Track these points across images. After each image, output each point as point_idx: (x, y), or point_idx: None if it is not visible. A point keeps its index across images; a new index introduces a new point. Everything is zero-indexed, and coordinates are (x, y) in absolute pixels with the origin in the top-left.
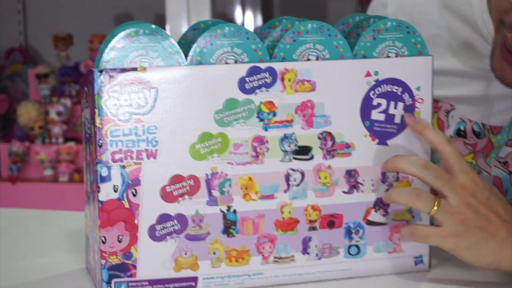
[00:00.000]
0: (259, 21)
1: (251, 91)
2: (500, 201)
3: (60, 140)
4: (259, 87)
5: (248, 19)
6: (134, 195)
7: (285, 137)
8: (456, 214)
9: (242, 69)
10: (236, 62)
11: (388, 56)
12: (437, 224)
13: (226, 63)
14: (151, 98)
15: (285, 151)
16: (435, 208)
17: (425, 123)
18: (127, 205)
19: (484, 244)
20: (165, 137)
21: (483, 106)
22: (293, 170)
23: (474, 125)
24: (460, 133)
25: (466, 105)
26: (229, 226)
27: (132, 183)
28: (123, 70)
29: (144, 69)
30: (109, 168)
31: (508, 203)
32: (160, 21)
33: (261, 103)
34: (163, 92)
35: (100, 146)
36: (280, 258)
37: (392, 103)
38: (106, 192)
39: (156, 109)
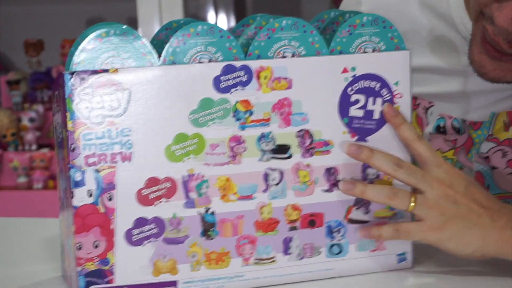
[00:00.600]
0: (233, 22)
1: (226, 90)
2: (479, 189)
3: (34, 147)
4: (235, 86)
5: (221, 21)
6: (110, 200)
7: (263, 136)
8: (435, 207)
9: (216, 68)
10: (210, 61)
11: (365, 52)
12: (417, 220)
13: (200, 62)
14: (124, 100)
15: (263, 151)
16: (412, 204)
17: (403, 119)
18: (102, 210)
19: (466, 233)
20: (139, 140)
21: (462, 102)
22: (272, 169)
23: (453, 121)
24: (440, 130)
25: (445, 101)
26: (208, 228)
27: (107, 187)
28: (94, 72)
29: (115, 70)
30: (82, 172)
31: (487, 191)
32: (133, 24)
33: (236, 102)
34: (136, 94)
35: (72, 150)
36: (261, 259)
37: (370, 99)
38: (80, 197)
39: (129, 111)
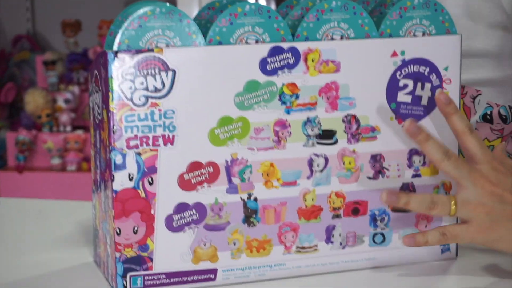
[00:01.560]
0: (272, 4)
1: (273, 72)
2: None
3: (68, 128)
4: (281, 68)
5: (261, 2)
6: (150, 184)
7: (308, 121)
8: (479, 207)
9: (263, 50)
10: (257, 42)
11: (415, 35)
12: (463, 222)
13: (247, 43)
14: (168, 81)
15: (308, 136)
16: (453, 207)
17: (455, 108)
18: (142, 195)
19: None
20: (183, 122)
21: (510, 89)
22: (317, 155)
23: (500, 108)
24: (486, 118)
25: (493, 88)
26: (250, 215)
27: (148, 171)
28: (139, 51)
29: (161, 50)
30: (124, 155)
31: None
32: (171, 4)
33: (283, 85)
34: (181, 74)
35: (114, 132)
36: (303, 247)
37: (419, 84)
38: (121, 181)
39: (173, 93)
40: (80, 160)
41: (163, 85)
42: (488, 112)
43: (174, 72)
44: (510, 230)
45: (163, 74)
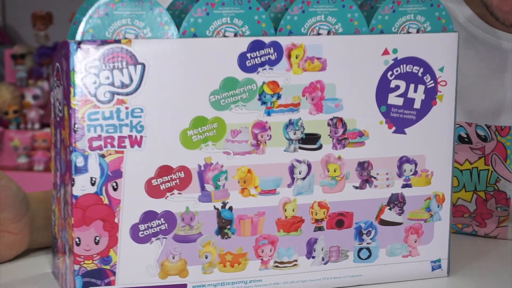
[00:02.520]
0: None
1: (253, 69)
2: None
3: (36, 125)
4: (262, 64)
5: None
6: (115, 189)
7: (291, 123)
8: None
9: (243, 44)
10: (236, 35)
11: (408, 32)
12: None
13: (225, 36)
14: (136, 76)
15: (290, 140)
16: None
17: None
18: (106, 201)
19: None
20: (152, 122)
21: (485, 104)
22: (299, 161)
23: (477, 128)
24: (463, 140)
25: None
26: (224, 225)
27: (112, 175)
28: (105, 42)
29: (129, 41)
30: (85, 157)
31: None
32: None
33: (263, 83)
34: (151, 69)
35: (75, 132)
36: (282, 262)
37: (411, 86)
38: (82, 186)
39: (142, 89)
40: (48, 160)
41: (131, 80)
42: (463, 134)
43: (143, 66)
44: None
45: (131, 68)
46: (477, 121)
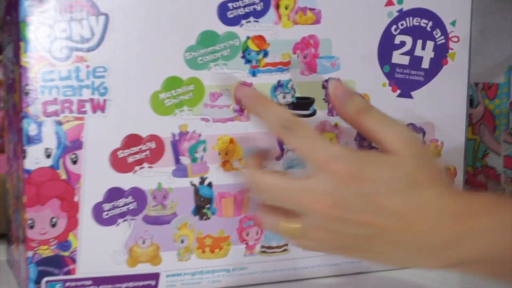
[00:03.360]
0: None
1: (235, 21)
2: (393, 189)
3: None
4: (246, 16)
5: None
6: (74, 163)
7: (279, 85)
8: (327, 233)
9: None
10: None
11: None
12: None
13: None
14: (99, 29)
15: (279, 105)
16: (298, 234)
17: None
18: (64, 176)
19: (381, 262)
20: (117, 83)
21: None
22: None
23: None
24: None
25: None
26: (203, 204)
27: (71, 146)
28: None
29: None
30: (39, 124)
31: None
32: None
33: (248, 38)
34: (116, 20)
35: (26, 94)
36: (270, 247)
37: (419, 42)
38: (35, 158)
39: (105, 44)
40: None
41: (92, 33)
42: None
43: (106, 17)
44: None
45: (92, 19)
46: None
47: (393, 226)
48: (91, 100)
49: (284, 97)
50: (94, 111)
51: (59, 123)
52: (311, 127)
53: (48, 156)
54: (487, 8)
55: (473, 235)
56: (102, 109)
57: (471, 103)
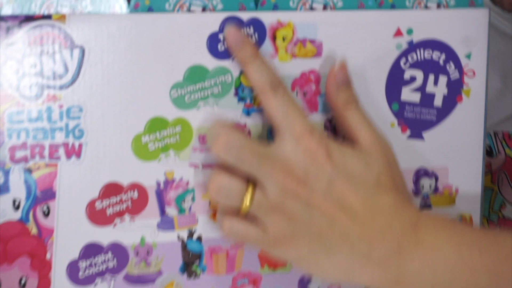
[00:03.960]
0: None
1: (227, 54)
2: (358, 184)
3: None
4: None
5: None
6: (46, 215)
7: None
8: (277, 210)
9: (214, 21)
10: (204, 9)
11: (426, 7)
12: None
13: (189, 11)
14: (73, 63)
15: None
16: (247, 203)
17: (253, 52)
18: (34, 231)
19: (323, 259)
20: (95, 125)
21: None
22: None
23: None
24: None
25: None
26: (192, 261)
27: (42, 196)
28: (30, 18)
29: (62, 17)
30: (6, 172)
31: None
32: None
33: (241, 73)
34: (93, 54)
35: None
36: None
37: (431, 77)
38: (2, 210)
39: (81, 81)
40: None
41: (66, 69)
42: None
43: (82, 50)
44: (315, 252)
45: (65, 53)
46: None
47: (347, 221)
48: (65, 144)
49: None
50: (69, 157)
51: (29, 170)
52: (294, 96)
53: (17, 208)
54: (507, 52)
55: (417, 251)
56: (78, 154)
57: (490, 153)
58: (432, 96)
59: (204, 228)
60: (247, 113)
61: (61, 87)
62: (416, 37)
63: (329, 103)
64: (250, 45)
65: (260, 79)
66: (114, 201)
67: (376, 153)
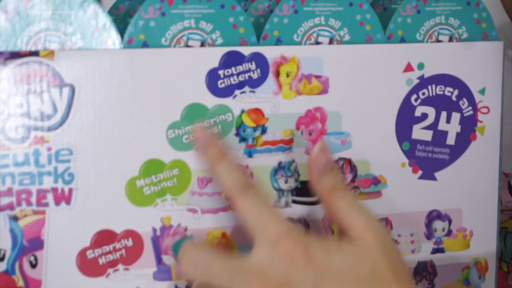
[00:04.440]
0: None
1: (228, 92)
2: (348, 282)
3: None
4: (240, 85)
5: None
6: (33, 266)
7: (281, 168)
8: None
9: (213, 57)
10: (203, 44)
11: (438, 40)
12: None
13: (188, 46)
14: (62, 103)
15: (280, 190)
16: None
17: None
18: (21, 283)
19: None
20: (86, 168)
21: None
22: (292, 220)
23: (511, 179)
24: None
25: None
26: None
27: (29, 246)
28: (16, 55)
29: (51, 53)
30: None
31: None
32: None
33: (242, 111)
34: (84, 93)
35: None
36: None
37: (443, 114)
38: None
39: (70, 121)
40: None
41: (55, 109)
42: None
43: (72, 88)
44: None
45: (54, 91)
46: None
47: None
48: (54, 189)
49: (286, 182)
50: (58, 203)
51: (15, 218)
52: (266, 195)
53: (1, 259)
54: None
55: None
56: (68, 200)
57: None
58: (444, 134)
59: None
60: (249, 154)
61: (49, 128)
62: (428, 72)
63: (315, 193)
64: (218, 145)
65: (228, 181)
66: (107, 250)
67: (369, 241)
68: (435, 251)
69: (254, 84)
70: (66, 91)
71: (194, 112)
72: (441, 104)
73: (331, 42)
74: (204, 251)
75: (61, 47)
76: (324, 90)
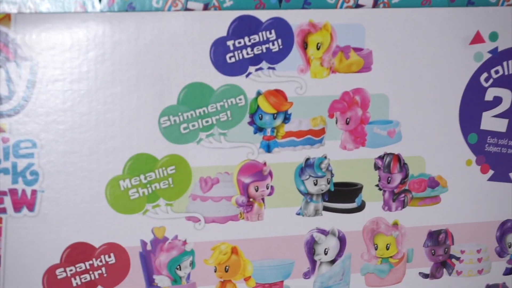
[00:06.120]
0: None
1: (239, 69)
2: None
3: None
4: (256, 60)
5: None
6: None
7: (308, 166)
8: None
9: (221, 23)
10: (207, 7)
11: None
12: None
13: (187, 9)
14: (23, 82)
15: (308, 194)
16: None
17: None
18: None
19: None
20: (54, 166)
21: None
22: (323, 232)
23: None
24: None
25: None
26: None
27: None
28: None
29: (6, 17)
30: None
31: None
32: None
33: (259, 94)
34: (50, 70)
35: None
36: None
37: None
38: None
39: (32, 106)
40: None
41: (11, 90)
42: None
43: (34, 64)
44: None
45: (10, 67)
46: None
47: None
48: (12, 191)
49: (315, 184)
50: (17, 209)
51: None
52: None
53: None
54: None
55: None
56: (30, 205)
57: None
58: None
59: None
60: (267, 148)
61: (8, 113)
62: (503, 45)
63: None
64: None
65: None
66: (82, 267)
67: None
68: (509, 271)
69: (274, 58)
70: (26, 66)
71: (195, 94)
72: None
73: (375, 4)
74: None
75: (20, 8)
76: (365, 67)
